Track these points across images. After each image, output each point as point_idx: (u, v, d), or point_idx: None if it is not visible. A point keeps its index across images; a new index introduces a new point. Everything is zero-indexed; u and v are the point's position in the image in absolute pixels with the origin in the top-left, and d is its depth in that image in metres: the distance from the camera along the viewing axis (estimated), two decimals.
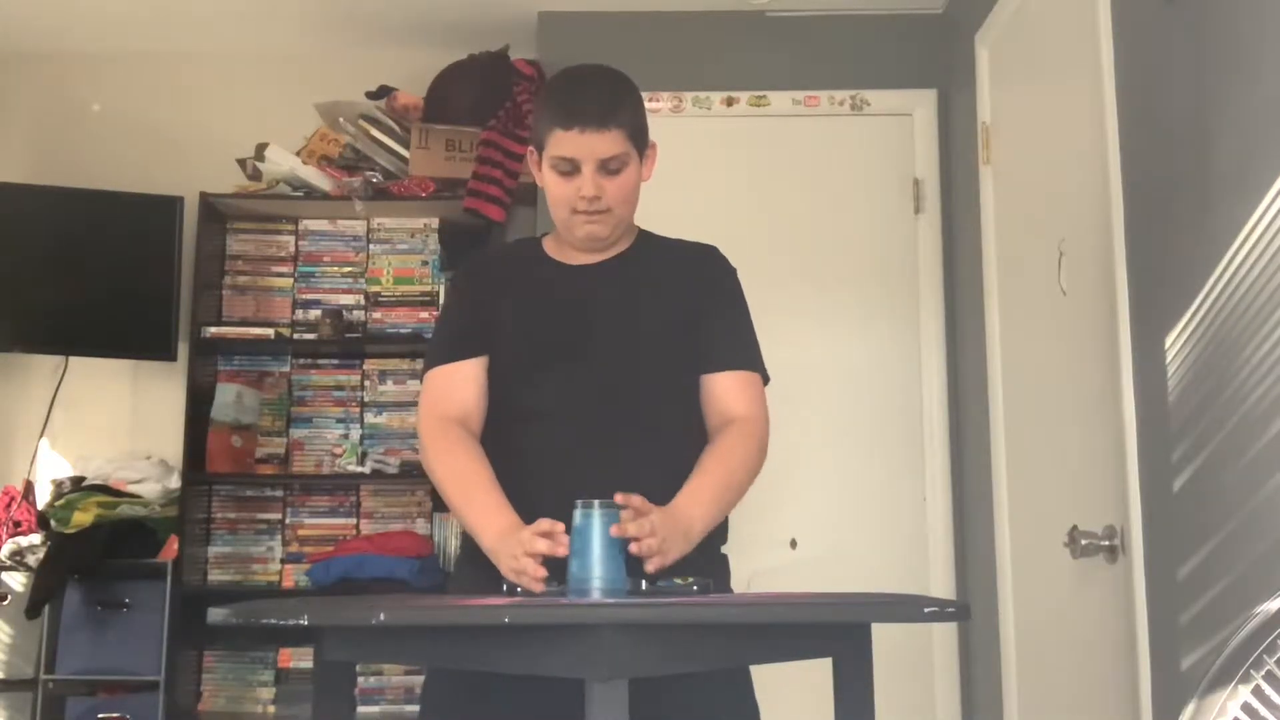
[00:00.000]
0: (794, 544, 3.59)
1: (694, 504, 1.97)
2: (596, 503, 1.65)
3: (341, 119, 4.02)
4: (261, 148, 3.99)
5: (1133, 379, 2.36)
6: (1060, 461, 2.78)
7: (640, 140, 2.13)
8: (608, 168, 2.07)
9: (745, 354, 2.17)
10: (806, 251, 3.73)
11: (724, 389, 2.13)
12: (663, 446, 2.05)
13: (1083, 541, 2.45)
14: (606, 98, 2.10)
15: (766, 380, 2.18)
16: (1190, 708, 1.28)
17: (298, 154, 4.01)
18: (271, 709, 3.83)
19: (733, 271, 2.23)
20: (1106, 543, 2.43)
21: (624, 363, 2.09)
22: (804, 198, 3.76)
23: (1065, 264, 2.73)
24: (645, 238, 2.25)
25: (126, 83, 4.28)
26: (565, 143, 2.06)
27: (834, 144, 3.78)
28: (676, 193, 3.76)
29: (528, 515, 1.90)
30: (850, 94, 3.79)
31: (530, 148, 2.18)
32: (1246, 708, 1.24)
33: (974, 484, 3.44)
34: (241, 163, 4.08)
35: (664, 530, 1.81)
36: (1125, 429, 2.36)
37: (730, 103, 3.80)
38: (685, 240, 2.28)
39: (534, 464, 2.04)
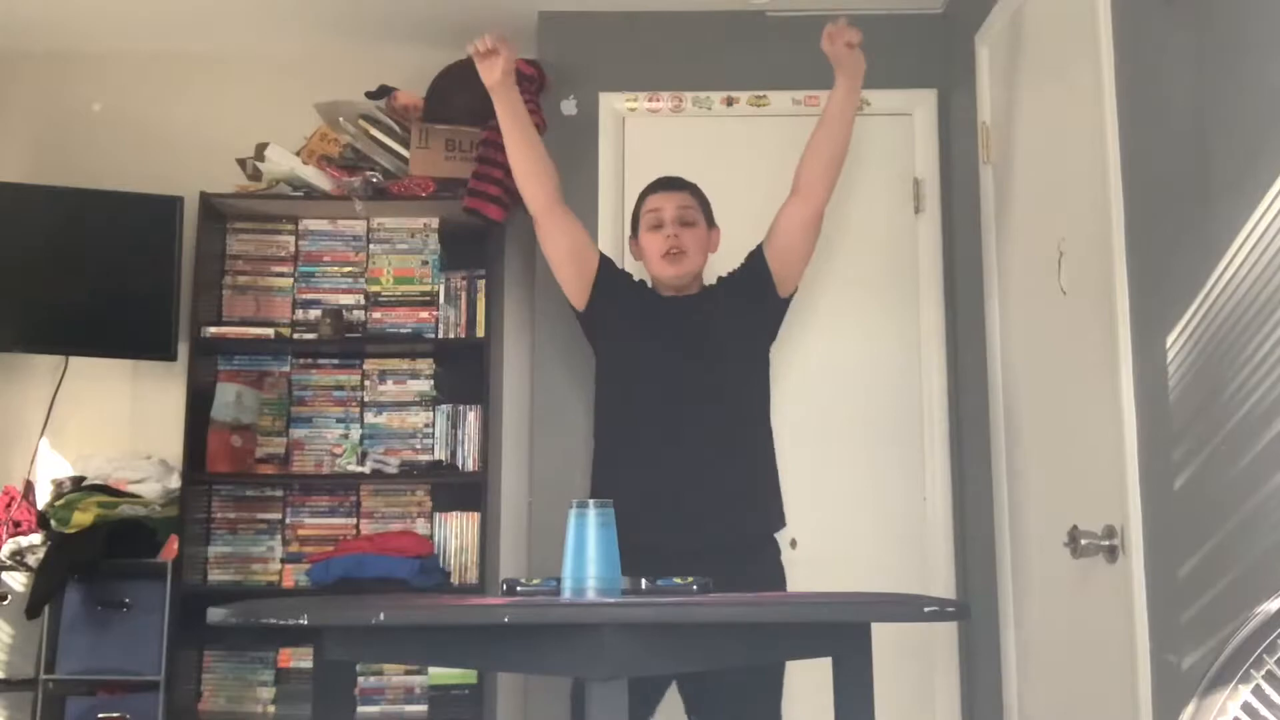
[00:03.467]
0: (794, 544, 3.58)
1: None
2: (591, 503, 1.65)
3: (341, 119, 4.02)
4: (261, 148, 3.99)
5: (1133, 379, 2.36)
6: (1060, 461, 2.78)
7: (707, 212, 3.12)
8: (683, 219, 3.02)
9: None
10: None
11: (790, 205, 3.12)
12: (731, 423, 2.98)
13: (1083, 541, 2.45)
14: (678, 178, 3.15)
15: None
16: (1190, 708, 1.28)
17: (298, 154, 4.01)
18: (271, 709, 3.83)
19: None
20: (1106, 543, 2.43)
21: (712, 368, 2.99)
22: None
23: (1065, 264, 2.73)
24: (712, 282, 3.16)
25: (126, 83, 4.28)
26: (654, 201, 3.06)
27: None
28: None
29: (635, 464, 2.96)
30: None
31: (631, 240, 3.16)
32: (1247, 707, 1.24)
33: (974, 484, 3.44)
34: (241, 163, 4.08)
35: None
36: (1125, 429, 2.36)
37: (730, 103, 3.80)
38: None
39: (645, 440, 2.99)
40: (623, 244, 3.75)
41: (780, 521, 3.05)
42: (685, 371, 2.95)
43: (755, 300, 3.09)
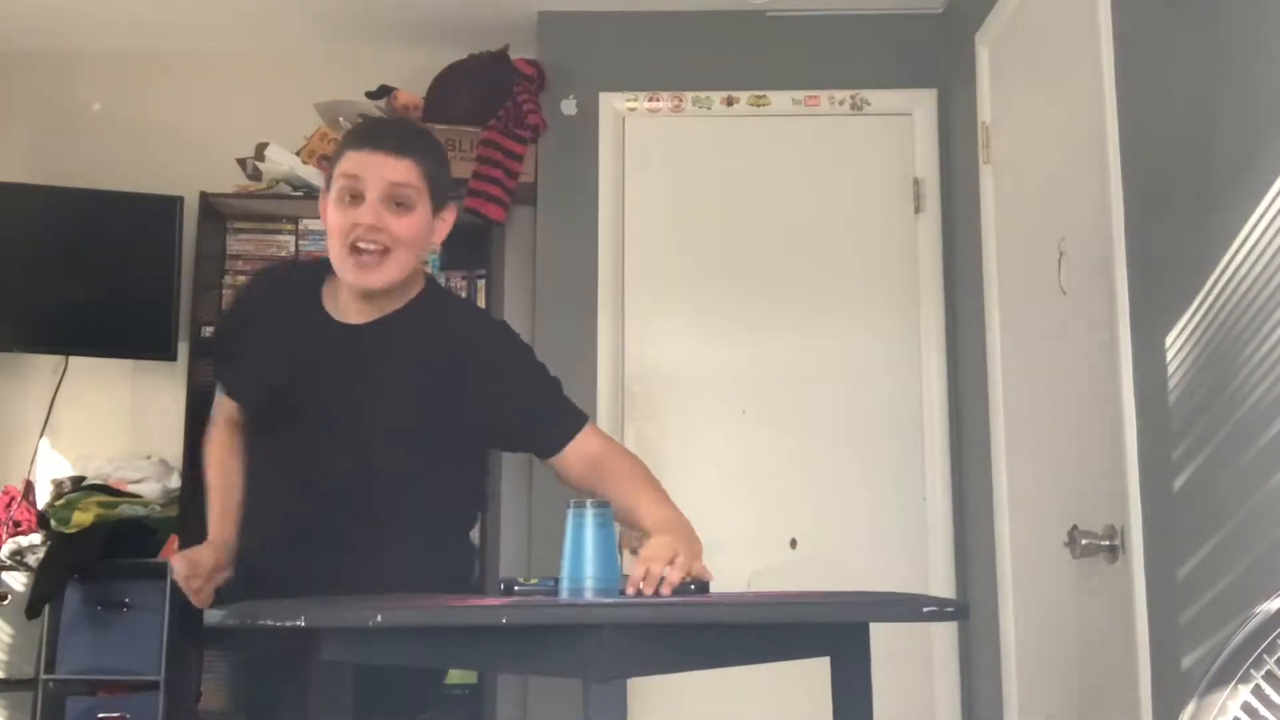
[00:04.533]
0: (794, 544, 3.59)
1: (665, 505, 1.94)
2: (589, 502, 1.65)
3: (341, 119, 4.01)
4: (261, 148, 3.99)
5: (1133, 379, 2.36)
6: (1060, 461, 2.78)
7: (437, 190, 2.03)
8: (395, 198, 1.96)
9: (572, 419, 2.09)
10: (806, 251, 3.73)
11: (577, 456, 2.06)
12: (381, 532, 1.98)
13: (1083, 541, 2.45)
14: (409, 131, 2.08)
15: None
16: (1190, 708, 1.28)
17: (298, 154, 4.01)
18: None
19: (522, 343, 2.18)
20: (1106, 543, 2.42)
21: (353, 448, 2.00)
22: (804, 198, 3.76)
23: (1065, 264, 2.73)
24: (427, 296, 2.11)
25: (126, 83, 4.27)
26: (354, 161, 1.97)
27: (834, 144, 3.78)
28: (677, 193, 3.77)
29: (256, 549, 2.07)
30: (850, 94, 3.79)
31: (324, 189, 2.05)
32: (1246, 707, 1.24)
33: (974, 484, 3.44)
34: (241, 162, 4.08)
35: (671, 546, 1.74)
36: (1125, 429, 2.36)
37: (730, 103, 3.80)
38: (472, 310, 2.25)
39: (261, 512, 2.08)
40: (622, 246, 3.75)
41: None
42: (319, 437, 2.02)
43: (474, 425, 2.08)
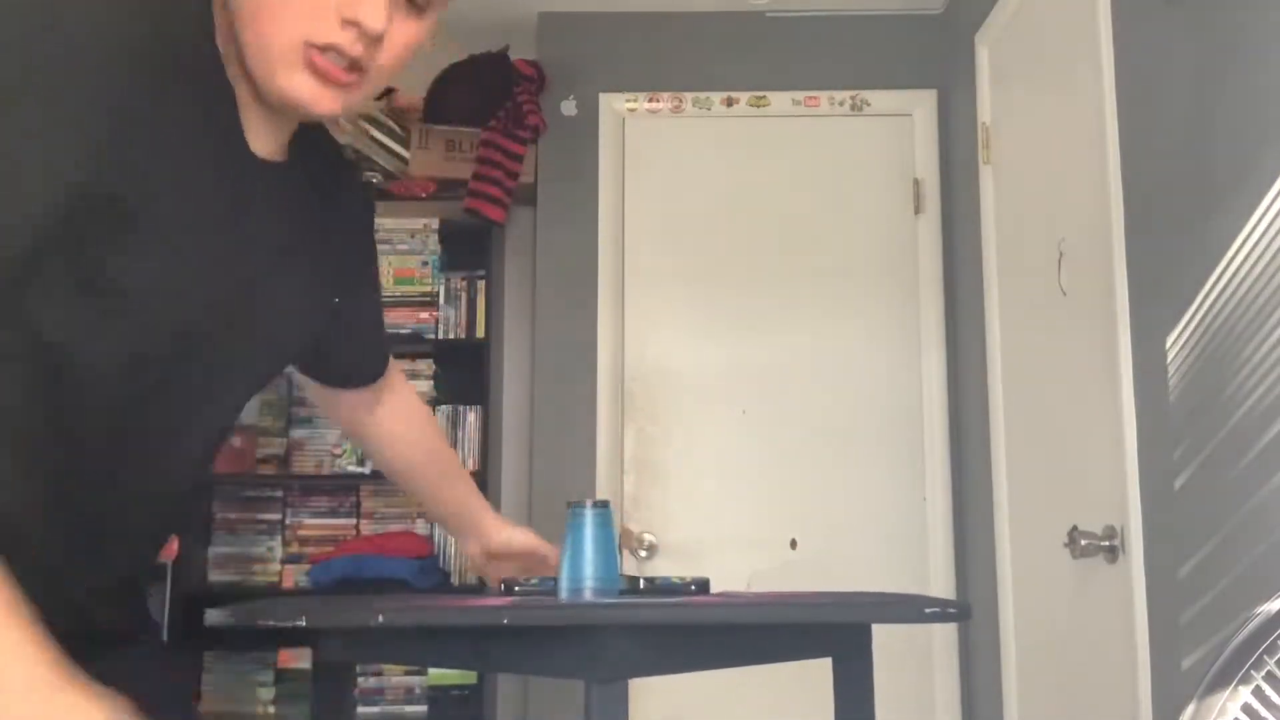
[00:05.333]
0: (794, 544, 3.59)
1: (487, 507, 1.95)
2: (589, 502, 1.65)
3: (341, 119, 4.01)
4: None
5: (1133, 379, 2.36)
6: (1060, 461, 2.78)
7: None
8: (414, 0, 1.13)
9: (387, 348, 1.63)
10: (806, 251, 3.73)
11: (377, 397, 1.63)
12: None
13: (1083, 541, 2.45)
14: None
15: None
16: (1190, 708, 1.28)
17: None
18: (271, 709, 3.83)
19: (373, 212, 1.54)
20: (1106, 543, 2.43)
21: (234, 393, 1.31)
22: (804, 198, 3.76)
23: (1065, 264, 2.73)
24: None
25: None
26: None
27: (834, 144, 3.79)
28: (677, 193, 3.77)
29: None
30: (850, 94, 3.79)
31: None
32: (1246, 708, 1.24)
33: (974, 484, 3.44)
34: None
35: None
36: (1125, 429, 2.36)
37: (730, 103, 3.80)
38: (335, 145, 1.50)
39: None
40: (622, 246, 3.74)
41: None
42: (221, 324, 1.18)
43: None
